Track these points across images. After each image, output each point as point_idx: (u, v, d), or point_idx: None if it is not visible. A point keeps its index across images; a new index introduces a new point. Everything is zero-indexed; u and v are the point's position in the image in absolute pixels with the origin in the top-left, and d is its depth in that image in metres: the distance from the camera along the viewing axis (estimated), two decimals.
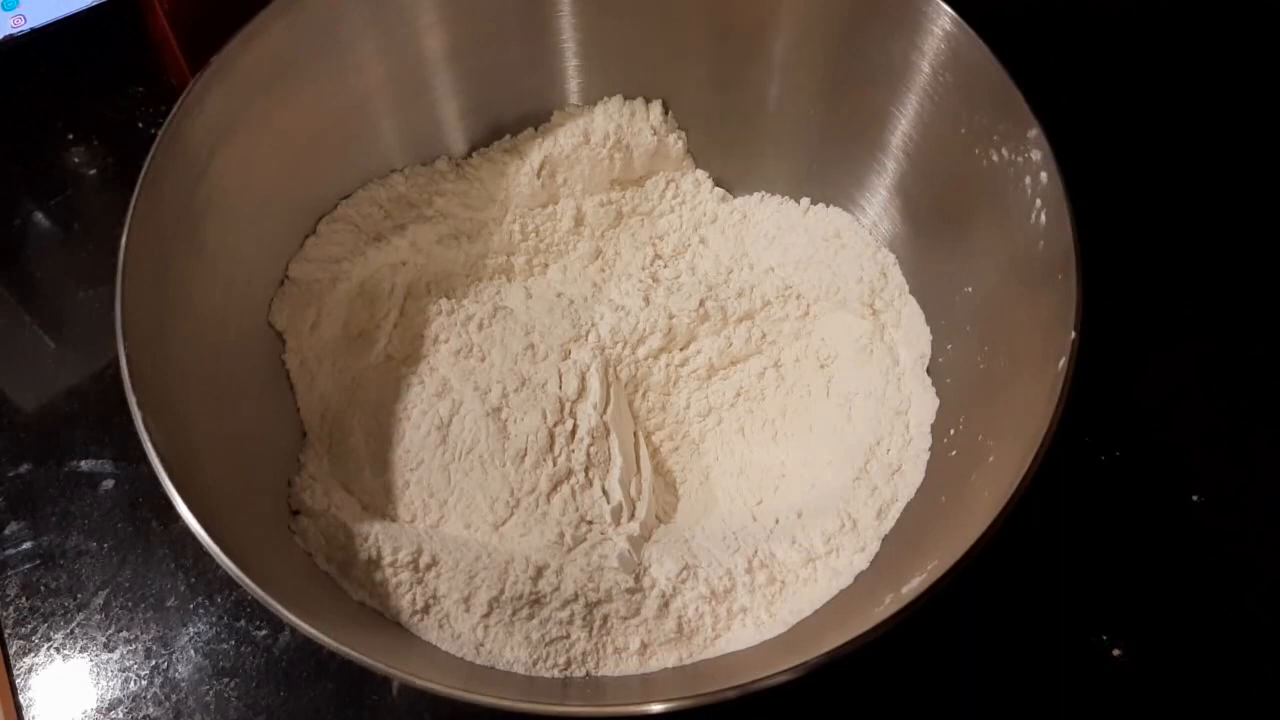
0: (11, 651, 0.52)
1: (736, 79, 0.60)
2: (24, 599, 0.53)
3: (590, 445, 0.54)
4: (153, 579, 0.53)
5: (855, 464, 0.53)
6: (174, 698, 0.51)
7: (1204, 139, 0.68)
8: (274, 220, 0.55)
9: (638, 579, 0.49)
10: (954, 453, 0.51)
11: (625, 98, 0.62)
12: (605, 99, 0.62)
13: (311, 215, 0.58)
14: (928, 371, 0.55)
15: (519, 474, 0.53)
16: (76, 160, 0.66)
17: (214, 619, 0.52)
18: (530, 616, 0.47)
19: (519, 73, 0.61)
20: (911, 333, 0.56)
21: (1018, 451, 0.42)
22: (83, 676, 0.51)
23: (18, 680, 0.51)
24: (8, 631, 0.52)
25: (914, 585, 0.42)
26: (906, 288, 0.58)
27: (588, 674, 0.47)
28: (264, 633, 0.52)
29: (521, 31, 0.59)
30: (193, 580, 0.53)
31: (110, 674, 0.51)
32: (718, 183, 0.64)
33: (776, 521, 0.53)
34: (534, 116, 0.63)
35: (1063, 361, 0.43)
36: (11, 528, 0.55)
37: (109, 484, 0.56)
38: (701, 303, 0.59)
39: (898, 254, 0.58)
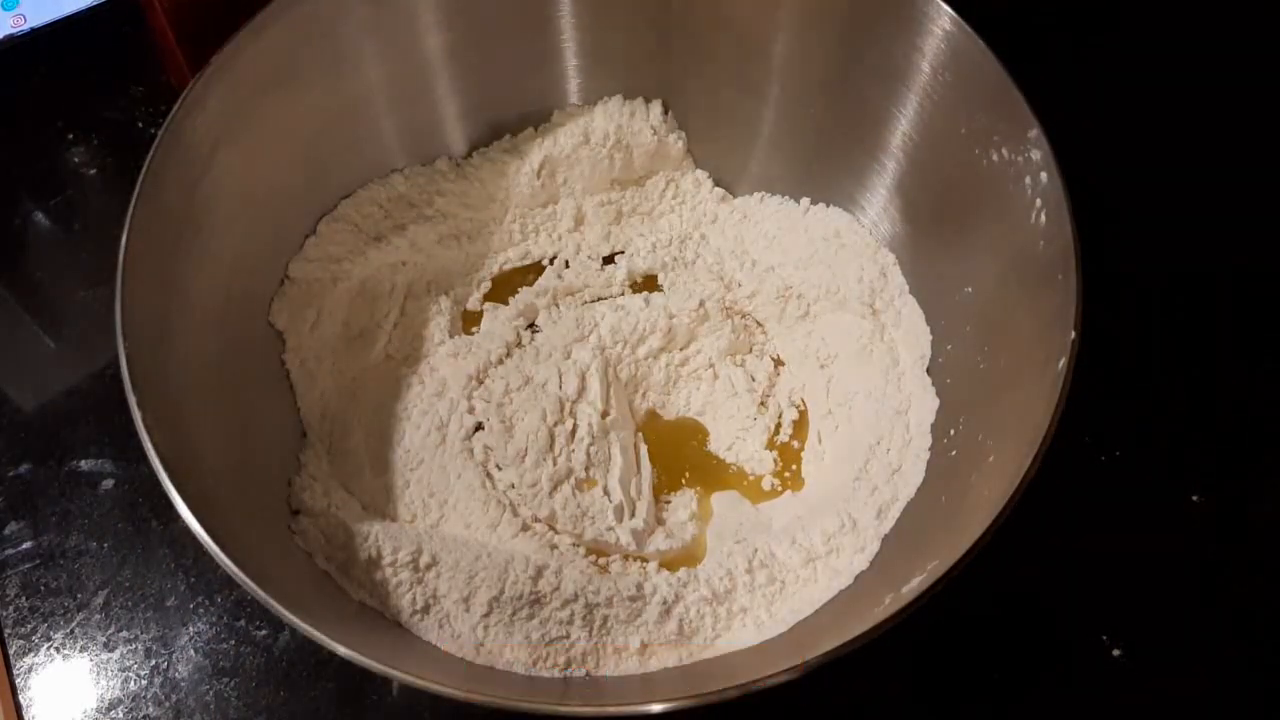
0: (11, 651, 0.52)
1: (736, 79, 0.60)
2: (24, 599, 0.53)
3: (590, 445, 0.54)
4: (153, 579, 0.53)
5: (855, 464, 0.53)
6: (174, 697, 0.51)
7: (1204, 138, 0.68)
8: (274, 220, 0.55)
9: (639, 585, 0.49)
10: (954, 453, 0.51)
11: (625, 98, 0.62)
12: (605, 99, 0.62)
13: (311, 215, 0.58)
14: (928, 371, 0.55)
15: (519, 473, 0.53)
16: (76, 160, 0.66)
17: (214, 619, 0.52)
18: (530, 616, 0.47)
19: (519, 73, 0.61)
20: (911, 333, 0.56)
21: (1018, 451, 0.42)
22: (83, 676, 0.51)
23: (18, 680, 0.51)
24: (8, 631, 0.52)
25: (914, 585, 0.42)
26: (906, 288, 0.58)
27: (588, 674, 0.47)
28: (264, 633, 0.52)
29: (521, 31, 0.59)
30: (193, 580, 0.53)
31: (110, 674, 0.51)
32: (718, 183, 0.64)
33: (776, 521, 0.53)
34: (534, 116, 0.63)
35: (1062, 361, 0.43)
36: (11, 528, 0.55)
37: (109, 484, 0.56)
38: (701, 303, 0.59)
39: (898, 254, 0.58)
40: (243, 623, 0.52)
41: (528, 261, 0.62)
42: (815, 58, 0.58)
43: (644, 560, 0.53)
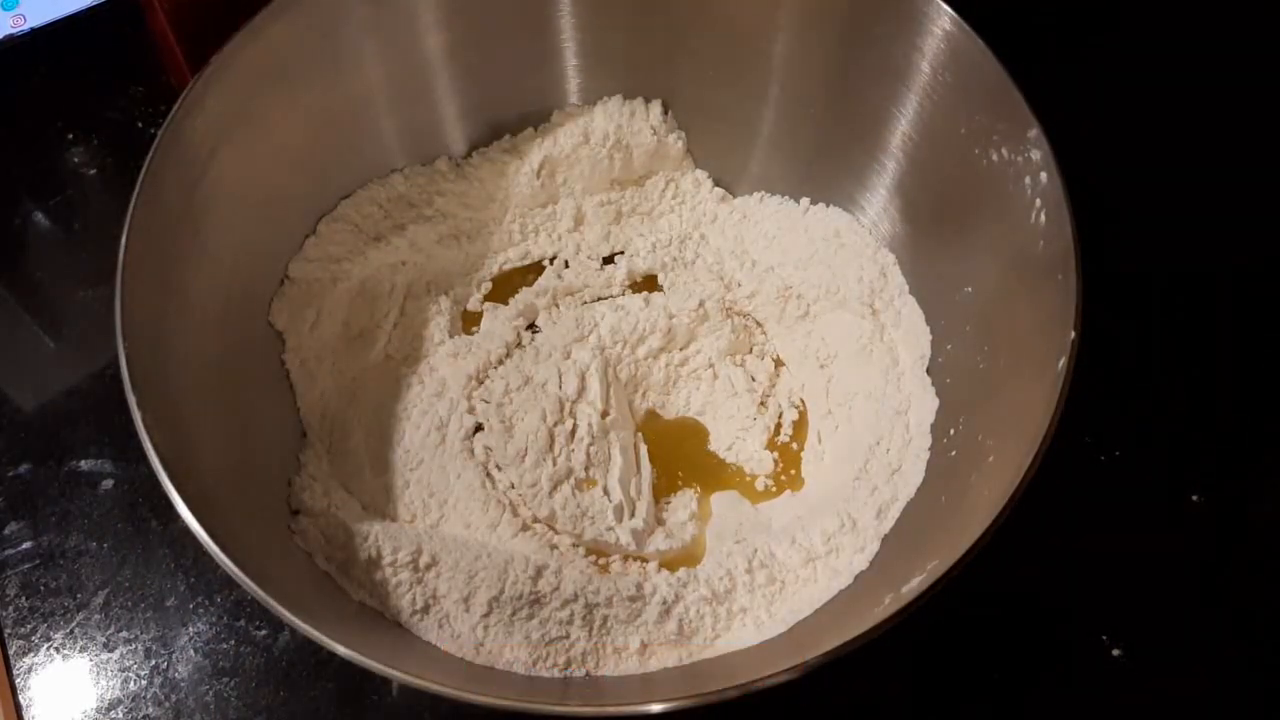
0: (11, 651, 0.52)
1: (736, 79, 0.60)
2: (24, 599, 0.53)
3: (590, 445, 0.54)
4: (153, 579, 0.53)
5: (855, 464, 0.53)
6: (174, 698, 0.51)
7: (1204, 138, 0.68)
8: (274, 220, 0.55)
9: (639, 585, 0.49)
10: (954, 453, 0.51)
11: (625, 98, 0.62)
12: (605, 99, 0.62)
13: (311, 215, 0.58)
14: (928, 371, 0.55)
15: (519, 473, 0.53)
16: (76, 160, 0.66)
17: (214, 619, 0.52)
18: (530, 616, 0.47)
19: (519, 73, 0.61)
20: (911, 333, 0.56)
21: (1018, 451, 0.42)
22: (83, 676, 0.51)
23: (18, 680, 0.51)
24: (8, 631, 0.52)
25: (914, 585, 0.42)
26: (906, 288, 0.58)
27: (587, 674, 0.47)
28: (264, 633, 0.52)
29: (521, 31, 0.59)
30: (193, 580, 0.53)
31: (110, 674, 0.51)
32: (718, 183, 0.64)
33: (776, 521, 0.53)
34: (534, 116, 0.63)
35: (1063, 361, 0.43)
36: (11, 528, 0.55)
37: (109, 484, 0.56)
38: (701, 303, 0.59)
39: (898, 254, 0.58)
40: (243, 623, 0.52)
41: (528, 261, 0.62)
42: (815, 58, 0.58)
43: (644, 560, 0.53)
